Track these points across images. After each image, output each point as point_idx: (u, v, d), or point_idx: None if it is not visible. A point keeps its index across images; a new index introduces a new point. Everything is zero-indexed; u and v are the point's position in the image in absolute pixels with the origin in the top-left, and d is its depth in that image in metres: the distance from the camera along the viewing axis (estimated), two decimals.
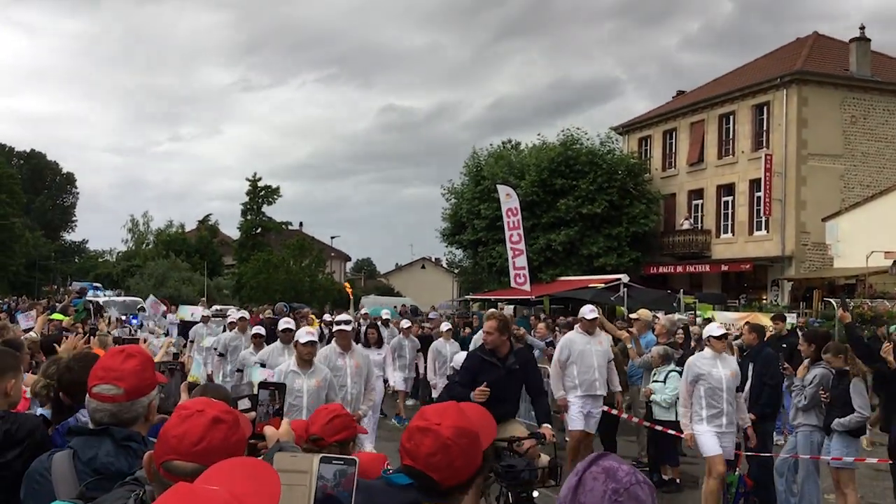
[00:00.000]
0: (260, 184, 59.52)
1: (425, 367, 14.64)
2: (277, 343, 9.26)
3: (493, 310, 14.92)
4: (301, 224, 68.33)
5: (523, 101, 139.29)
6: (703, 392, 7.81)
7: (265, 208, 59.93)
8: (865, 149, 31.86)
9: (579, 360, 9.26)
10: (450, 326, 13.93)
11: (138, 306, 24.61)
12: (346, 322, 8.56)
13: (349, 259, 72.57)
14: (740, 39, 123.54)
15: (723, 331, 8.26)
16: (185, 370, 3.90)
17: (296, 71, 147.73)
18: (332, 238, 64.75)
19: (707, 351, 8.04)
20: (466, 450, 2.06)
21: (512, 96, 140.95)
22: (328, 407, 3.60)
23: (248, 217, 59.48)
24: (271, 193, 60.20)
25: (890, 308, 21.54)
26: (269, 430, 2.65)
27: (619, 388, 9.92)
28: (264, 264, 45.96)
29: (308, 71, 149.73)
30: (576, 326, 9.87)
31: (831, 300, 22.10)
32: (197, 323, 16.37)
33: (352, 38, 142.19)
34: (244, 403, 2.76)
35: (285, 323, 9.55)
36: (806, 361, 8.31)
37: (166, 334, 16.19)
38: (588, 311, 9.51)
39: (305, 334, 7.19)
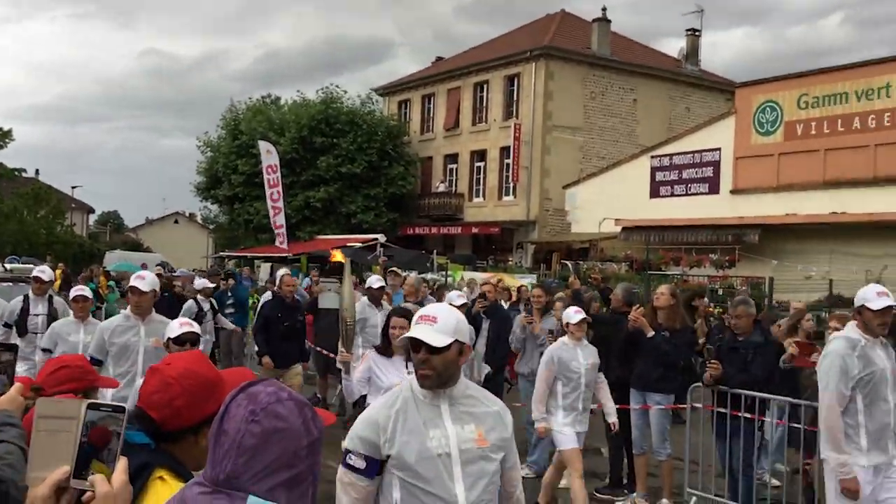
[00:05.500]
0: None
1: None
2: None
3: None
4: (37, 172, 62.68)
5: (297, 56, 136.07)
6: (561, 384, 6.92)
7: None
8: (602, 123, 34.60)
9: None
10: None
11: None
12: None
13: (92, 211, 67.59)
14: (508, 11, 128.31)
15: (582, 315, 7.01)
16: None
17: (46, 4, 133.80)
18: (73, 188, 59.97)
19: (566, 338, 7.01)
20: (191, 391, 2.02)
21: (286, 50, 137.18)
22: (62, 357, 3.39)
23: None
24: (2, 137, 54.31)
25: (617, 271, 23.78)
26: None
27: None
28: None
29: (60, 5, 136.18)
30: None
31: (567, 263, 23.97)
32: None
33: None
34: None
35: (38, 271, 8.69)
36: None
37: None
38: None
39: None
